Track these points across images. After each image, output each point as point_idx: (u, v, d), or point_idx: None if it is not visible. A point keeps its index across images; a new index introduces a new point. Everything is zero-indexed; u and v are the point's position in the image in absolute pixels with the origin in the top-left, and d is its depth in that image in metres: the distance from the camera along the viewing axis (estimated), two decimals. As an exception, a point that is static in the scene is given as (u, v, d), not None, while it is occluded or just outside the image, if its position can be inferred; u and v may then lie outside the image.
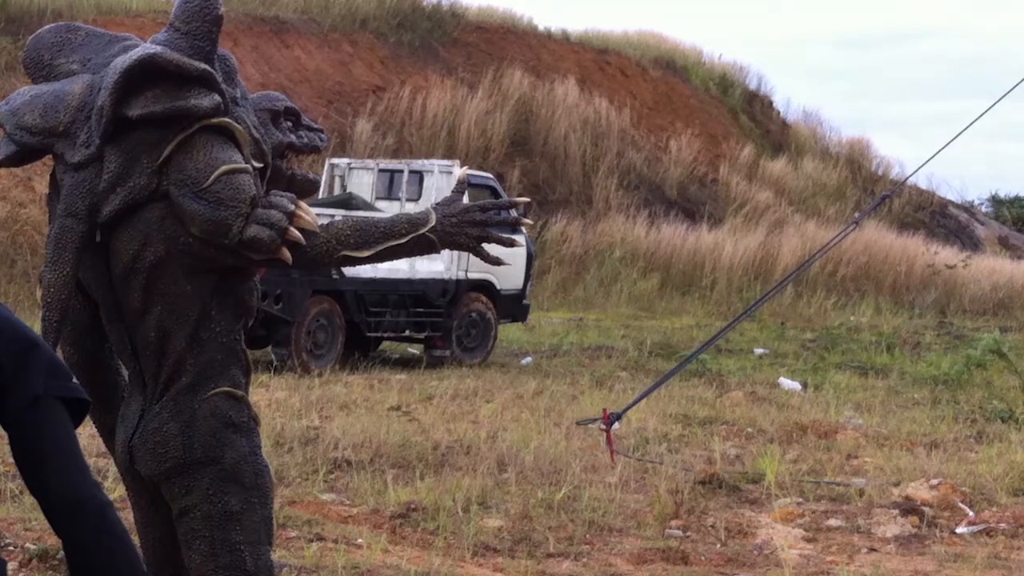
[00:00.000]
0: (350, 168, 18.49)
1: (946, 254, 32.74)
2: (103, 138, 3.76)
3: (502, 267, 4.68)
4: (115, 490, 7.02)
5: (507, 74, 32.24)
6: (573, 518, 8.05)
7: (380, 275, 16.38)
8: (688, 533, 7.96)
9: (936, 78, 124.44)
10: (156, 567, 4.02)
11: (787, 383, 15.07)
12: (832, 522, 8.32)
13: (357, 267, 13.69)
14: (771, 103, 41.91)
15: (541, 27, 36.75)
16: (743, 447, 10.82)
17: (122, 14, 26.71)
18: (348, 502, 8.31)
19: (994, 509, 8.64)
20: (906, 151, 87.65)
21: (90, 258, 3.85)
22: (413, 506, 8.10)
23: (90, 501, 2.57)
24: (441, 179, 17.44)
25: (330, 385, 13.71)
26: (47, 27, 4.09)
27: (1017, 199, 48.55)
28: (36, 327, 3.11)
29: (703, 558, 7.42)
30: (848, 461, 10.32)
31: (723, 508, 8.57)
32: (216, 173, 3.72)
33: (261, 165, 4.00)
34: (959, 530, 8.18)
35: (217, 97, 3.78)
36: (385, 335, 17.16)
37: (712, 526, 8.10)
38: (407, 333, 17.29)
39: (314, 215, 3.85)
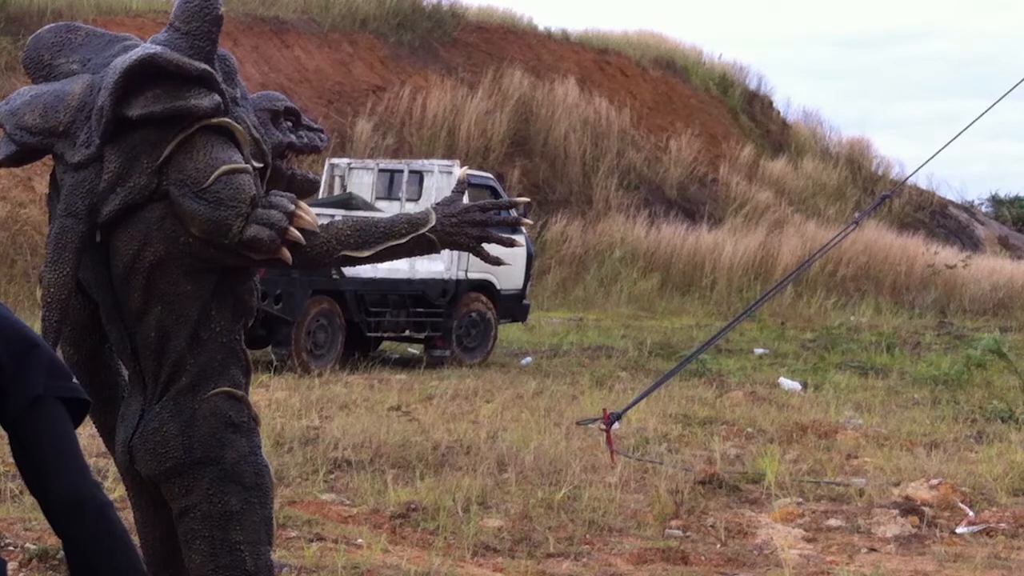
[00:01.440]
0: (350, 168, 18.49)
1: (946, 254, 32.74)
2: (103, 138, 3.76)
3: (502, 267, 4.67)
4: (115, 490, 7.02)
5: (507, 74, 32.25)
6: (573, 518, 8.05)
7: (380, 275, 16.38)
8: (688, 533, 7.96)
9: (936, 78, 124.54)
10: (156, 567, 4.02)
11: (787, 383, 15.07)
12: (832, 522, 8.32)
13: (357, 267, 13.70)
14: (771, 103, 41.93)
15: (541, 27, 36.80)
16: (743, 447, 10.82)
17: (122, 14, 26.72)
18: (348, 502, 8.31)
19: (994, 509, 8.64)
20: (906, 151, 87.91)
21: (90, 258, 3.85)
22: (413, 506, 8.10)
23: (90, 501, 2.57)
24: (441, 179, 17.45)
25: (330, 385, 13.71)
26: (47, 27, 4.09)
27: (1017, 199, 48.58)
28: (36, 327, 3.11)
29: (703, 558, 7.42)
30: (848, 461, 10.32)
31: (723, 508, 8.57)
32: (216, 173, 3.72)
33: (261, 165, 3.99)
34: (959, 530, 8.18)
35: (217, 97, 3.78)
36: (385, 335, 17.16)
37: (712, 526, 8.10)
38: (407, 333, 17.29)
39: (314, 215, 3.85)
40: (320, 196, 16.95)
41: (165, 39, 3.84)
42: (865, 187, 38.75)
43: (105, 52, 3.96)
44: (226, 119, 3.82)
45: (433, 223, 3.84)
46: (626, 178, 32.57)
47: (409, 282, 16.88)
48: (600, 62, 36.52)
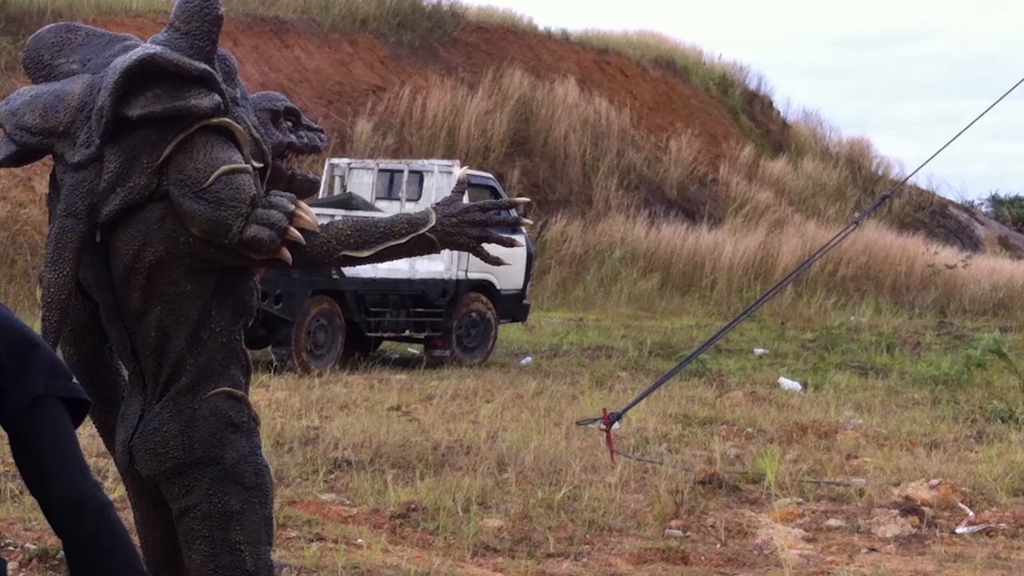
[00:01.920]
0: (350, 168, 18.49)
1: (946, 254, 32.74)
2: (103, 138, 3.76)
3: (502, 267, 4.67)
4: (115, 490, 7.02)
5: (507, 74, 32.24)
6: (573, 518, 8.05)
7: (380, 275, 16.39)
8: (688, 533, 7.96)
9: (936, 78, 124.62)
10: (156, 567, 4.02)
11: (787, 383, 15.07)
12: (832, 522, 8.32)
13: (357, 267, 13.70)
14: (771, 103, 41.93)
15: (541, 27, 36.80)
16: (743, 447, 10.82)
17: (122, 14, 26.72)
18: (348, 502, 8.31)
19: (994, 509, 8.64)
20: (906, 151, 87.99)
21: (90, 258, 3.85)
22: (413, 506, 8.10)
23: (90, 501, 2.57)
24: (441, 179, 17.45)
25: (330, 385, 13.71)
26: (47, 27, 4.08)
27: (1017, 199, 48.59)
28: (36, 327, 3.11)
29: (703, 558, 7.42)
30: (848, 461, 10.32)
31: (723, 508, 8.57)
32: (216, 173, 3.72)
33: (261, 165, 3.99)
34: (959, 530, 8.18)
35: (217, 97, 3.78)
36: (385, 335, 17.16)
37: (712, 526, 8.10)
38: (407, 333, 17.29)
39: (314, 215, 3.85)
40: (320, 196, 16.95)
41: (165, 39, 3.84)
42: (865, 187, 38.75)
43: (105, 52, 3.96)
44: (226, 119, 3.82)
45: (433, 223, 3.84)
46: (626, 178, 32.57)
47: (409, 282, 16.88)
48: (600, 62, 36.51)
